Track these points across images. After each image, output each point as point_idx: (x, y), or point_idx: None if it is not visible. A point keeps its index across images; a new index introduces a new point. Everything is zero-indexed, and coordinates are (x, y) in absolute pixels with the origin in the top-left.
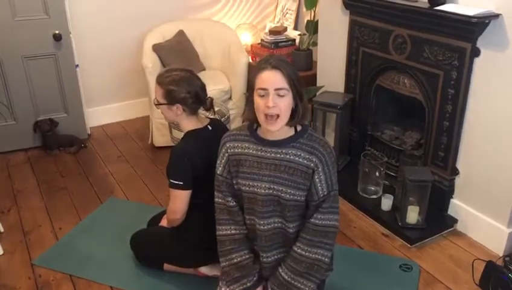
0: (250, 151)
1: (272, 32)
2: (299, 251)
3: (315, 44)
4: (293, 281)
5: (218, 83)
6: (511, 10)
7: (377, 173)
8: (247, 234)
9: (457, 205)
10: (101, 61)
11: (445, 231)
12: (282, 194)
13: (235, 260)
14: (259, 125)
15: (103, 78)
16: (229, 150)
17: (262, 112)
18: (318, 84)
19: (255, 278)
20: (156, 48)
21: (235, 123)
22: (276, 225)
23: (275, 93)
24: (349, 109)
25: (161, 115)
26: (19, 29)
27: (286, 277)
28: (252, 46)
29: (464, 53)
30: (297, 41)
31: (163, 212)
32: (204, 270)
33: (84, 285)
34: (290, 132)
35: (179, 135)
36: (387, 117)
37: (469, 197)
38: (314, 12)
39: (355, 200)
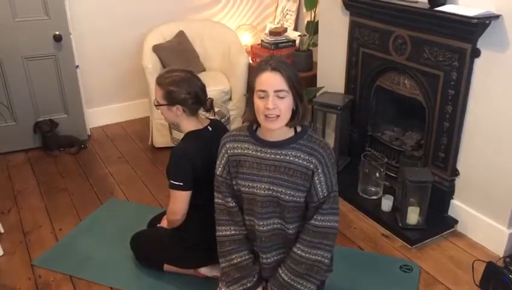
0: (250, 152)
1: (272, 33)
2: (299, 252)
3: (315, 45)
4: (292, 283)
5: (218, 83)
6: (511, 11)
7: (377, 174)
8: (247, 234)
9: (458, 206)
10: (101, 62)
11: (446, 232)
12: (282, 195)
13: (235, 261)
14: (259, 126)
15: (103, 79)
16: (228, 151)
17: (262, 114)
18: (318, 85)
19: (254, 279)
20: (156, 49)
21: (235, 124)
22: (275, 226)
23: (275, 95)
24: (350, 109)
25: (161, 116)
26: (19, 30)
27: (286, 278)
28: (252, 47)
29: (464, 54)
30: (297, 42)
31: (163, 213)
32: (204, 271)
33: (84, 286)
34: (290, 133)
35: (179, 136)
36: (388, 118)
37: (469, 198)
38: (315, 13)
39: (356, 201)
